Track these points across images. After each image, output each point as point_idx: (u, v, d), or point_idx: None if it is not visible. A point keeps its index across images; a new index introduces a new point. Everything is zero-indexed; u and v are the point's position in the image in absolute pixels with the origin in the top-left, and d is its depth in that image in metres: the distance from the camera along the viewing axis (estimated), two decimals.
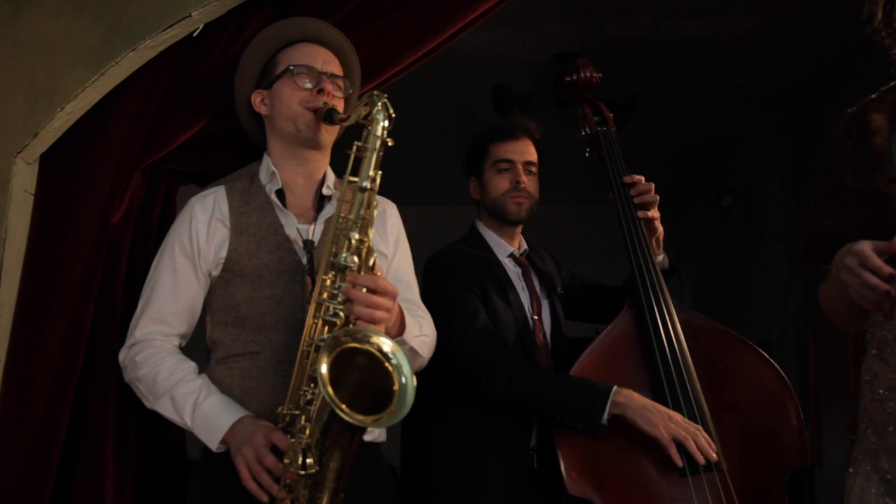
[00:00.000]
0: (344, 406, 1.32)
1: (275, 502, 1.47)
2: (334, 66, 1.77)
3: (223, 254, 1.67)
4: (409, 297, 1.75)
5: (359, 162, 1.53)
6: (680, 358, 1.88)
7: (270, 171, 1.74)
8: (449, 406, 2.07)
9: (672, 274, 2.15)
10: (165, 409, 1.62)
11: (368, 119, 1.54)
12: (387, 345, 1.41)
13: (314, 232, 1.70)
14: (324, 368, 1.34)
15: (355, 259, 1.49)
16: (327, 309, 1.49)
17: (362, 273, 1.49)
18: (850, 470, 1.44)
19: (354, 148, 1.53)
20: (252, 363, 1.64)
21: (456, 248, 2.19)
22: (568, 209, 5.47)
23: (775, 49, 3.82)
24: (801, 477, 4.04)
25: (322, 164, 1.78)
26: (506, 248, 2.21)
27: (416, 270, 1.87)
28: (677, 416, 1.78)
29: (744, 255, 5.02)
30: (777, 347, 4.48)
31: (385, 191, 1.58)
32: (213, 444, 1.56)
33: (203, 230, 1.69)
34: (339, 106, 1.73)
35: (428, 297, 1.85)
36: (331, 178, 1.78)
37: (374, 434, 1.69)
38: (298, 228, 1.70)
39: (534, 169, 2.21)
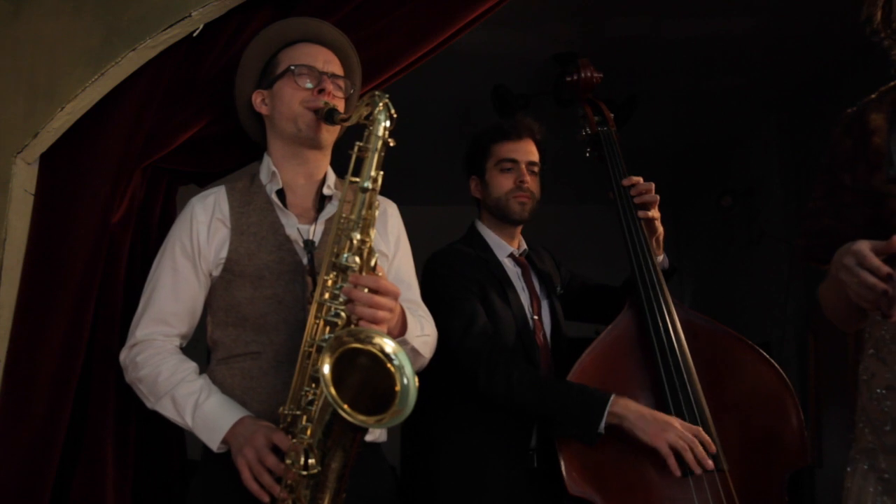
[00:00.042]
0: (346, 406, 1.32)
1: (276, 503, 1.47)
2: (335, 66, 1.77)
3: (224, 254, 1.67)
4: (410, 297, 1.75)
5: (360, 162, 1.53)
6: (680, 358, 1.88)
7: (271, 172, 1.74)
8: (449, 406, 2.07)
9: (672, 274, 2.15)
10: (166, 410, 1.62)
11: (370, 119, 1.54)
12: (389, 346, 1.41)
13: (315, 232, 1.70)
14: (326, 369, 1.33)
15: (357, 259, 1.49)
16: (329, 309, 1.49)
17: (364, 273, 1.49)
18: (848, 469, 1.44)
19: (356, 148, 1.53)
20: (253, 363, 1.64)
21: (456, 248, 2.19)
22: (568, 209, 5.47)
23: (775, 49, 3.82)
24: (801, 477, 4.04)
25: (322, 163, 1.78)
26: (505, 248, 2.21)
27: (416, 270, 1.87)
28: (676, 423, 1.77)
29: (744, 255, 5.02)
30: (777, 347, 4.48)
31: (385, 191, 1.58)
32: (214, 444, 1.56)
33: (204, 230, 1.69)
34: (340, 106, 1.73)
35: (427, 297, 1.85)
36: (331, 177, 1.78)
37: (375, 434, 1.69)
38: (299, 228, 1.70)
39: (536, 169, 2.21)
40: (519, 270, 2.20)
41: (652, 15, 3.60)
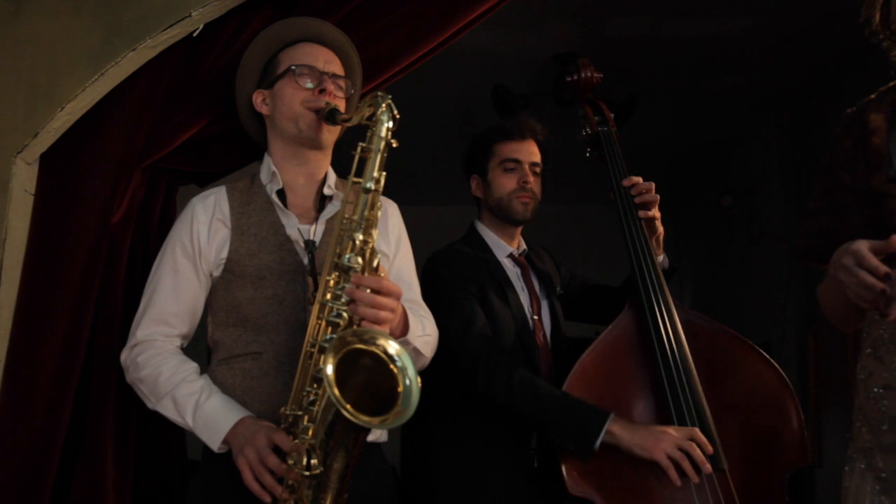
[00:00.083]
0: (349, 406, 1.32)
1: (278, 503, 1.47)
2: (336, 66, 1.77)
3: (224, 254, 1.67)
4: (411, 297, 1.75)
5: (363, 163, 1.53)
6: (680, 358, 1.88)
7: (271, 172, 1.74)
8: (449, 406, 2.07)
9: (672, 274, 2.15)
10: (167, 410, 1.62)
11: (372, 120, 1.54)
12: (392, 347, 1.41)
13: (315, 232, 1.70)
14: (329, 369, 1.33)
15: (359, 260, 1.49)
16: (331, 310, 1.49)
17: (366, 274, 1.49)
18: (846, 468, 1.45)
19: (359, 149, 1.53)
20: (254, 364, 1.63)
21: (455, 248, 2.19)
22: (568, 209, 5.47)
23: (775, 49, 3.82)
24: (801, 477, 4.04)
25: (323, 163, 1.78)
26: (505, 248, 2.21)
27: (416, 270, 1.87)
28: (670, 431, 1.77)
29: (744, 255, 5.02)
30: (777, 347, 4.48)
31: (385, 191, 1.58)
32: (215, 444, 1.56)
33: (204, 231, 1.69)
34: (341, 106, 1.73)
35: (427, 297, 1.85)
36: (332, 177, 1.78)
37: (376, 434, 1.69)
38: (300, 229, 1.70)
39: (538, 170, 2.21)
40: (518, 271, 2.20)
41: (652, 15, 3.60)
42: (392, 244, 1.79)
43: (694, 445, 1.75)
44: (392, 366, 1.39)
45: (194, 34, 1.93)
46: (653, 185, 2.08)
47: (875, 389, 1.40)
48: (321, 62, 1.74)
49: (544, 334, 2.14)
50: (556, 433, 1.81)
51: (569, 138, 2.26)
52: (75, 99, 1.86)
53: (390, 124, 1.53)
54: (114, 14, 1.89)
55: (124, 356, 1.69)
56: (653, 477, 1.78)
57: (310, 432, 1.44)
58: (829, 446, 3.89)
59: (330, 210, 1.74)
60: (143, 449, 1.86)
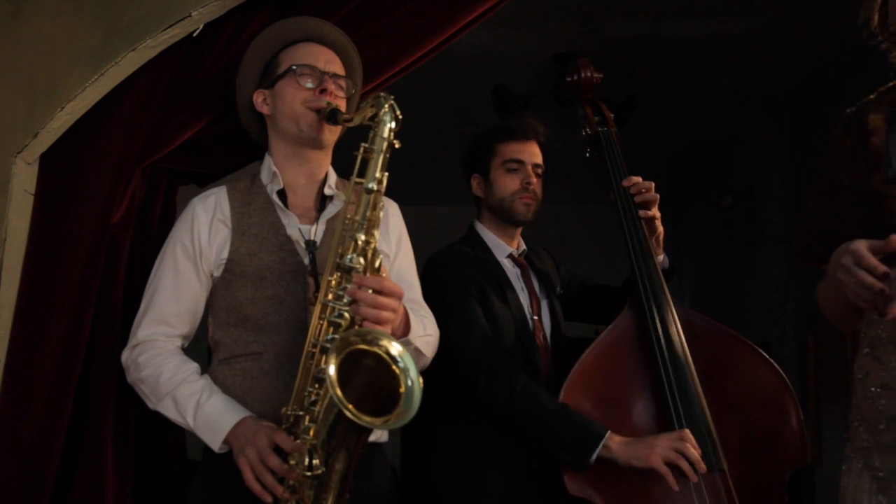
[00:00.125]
0: (351, 407, 1.32)
1: (279, 503, 1.47)
2: (336, 66, 1.77)
3: (225, 254, 1.67)
4: (412, 297, 1.75)
5: (365, 163, 1.53)
6: (680, 358, 1.88)
7: (272, 172, 1.74)
8: (450, 406, 2.07)
9: (672, 274, 2.15)
10: (168, 410, 1.62)
11: (375, 121, 1.53)
12: (395, 348, 1.41)
13: (316, 232, 1.70)
14: (332, 370, 1.33)
15: (361, 260, 1.49)
16: (332, 310, 1.49)
17: (368, 274, 1.49)
18: (844, 467, 1.45)
19: (361, 149, 1.54)
20: (254, 364, 1.63)
21: (455, 249, 2.19)
22: (568, 209, 5.47)
23: (775, 49, 3.82)
24: (801, 477, 4.04)
25: (324, 163, 1.78)
26: (505, 248, 2.21)
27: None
28: (662, 436, 1.78)
29: (744, 255, 5.02)
30: (777, 347, 4.48)
31: (385, 190, 1.58)
32: (216, 444, 1.56)
33: (205, 231, 1.69)
34: (342, 106, 1.73)
35: (427, 297, 1.85)
36: (332, 177, 1.78)
37: (377, 434, 1.69)
38: (300, 229, 1.70)
39: (540, 171, 2.21)
40: (518, 271, 2.20)
41: (652, 15, 3.60)
42: (393, 244, 1.79)
43: (688, 445, 1.75)
44: (394, 367, 1.40)
45: (194, 34, 1.93)
46: (652, 184, 2.08)
47: (872, 389, 1.40)
48: (322, 62, 1.74)
49: (544, 334, 2.14)
50: (553, 445, 1.82)
51: (569, 138, 2.26)
52: (75, 99, 1.86)
53: (393, 125, 1.53)
54: (114, 14, 1.89)
55: (125, 356, 1.69)
56: (652, 477, 1.78)
57: (311, 432, 1.44)
58: (829, 446, 3.89)
59: (331, 210, 1.74)
60: (143, 449, 1.86)
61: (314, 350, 1.49)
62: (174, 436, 1.90)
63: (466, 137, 2.34)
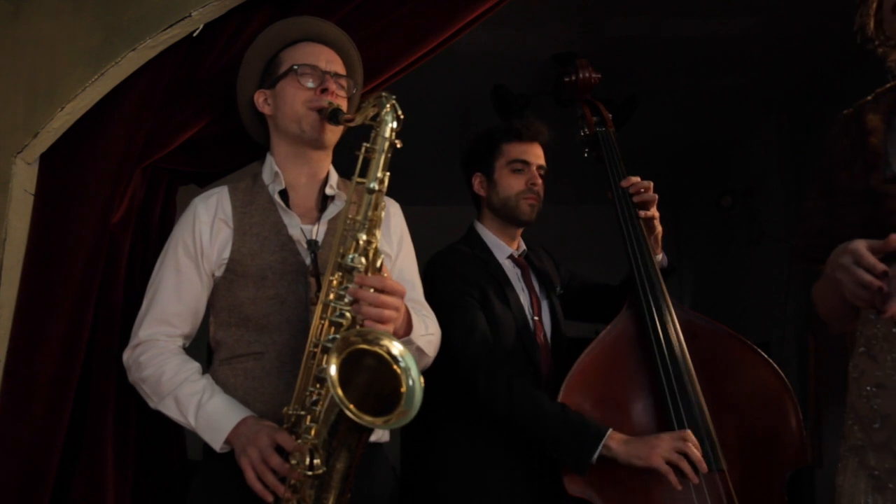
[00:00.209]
0: (352, 406, 1.32)
1: (280, 503, 1.47)
2: (337, 66, 1.77)
3: (226, 254, 1.67)
4: (413, 296, 1.75)
5: (367, 163, 1.53)
6: (679, 358, 1.88)
7: (274, 172, 1.74)
8: (450, 406, 2.07)
9: (671, 273, 2.15)
10: (169, 410, 1.62)
11: (377, 120, 1.53)
12: (396, 347, 1.41)
13: (318, 232, 1.70)
14: (333, 370, 1.34)
15: (363, 260, 1.49)
16: (334, 310, 1.49)
17: (369, 274, 1.49)
18: (839, 466, 1.45)
19: (363, 149, 1.54)
20: (255, 364, 1.64)
21: (456, 249, 2.19)
22: (568, 209, 5.47)
23: (775, 49, 3.82)
24: (801, 477, 4.04)
25: (325, 163, 1.78)
26: (505, 249, 2.20)
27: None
28: (663, 436, 1.78)
29: (744, 255, 5.02)
30: (777, 347, 4.48)
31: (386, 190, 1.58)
32: (217, 444, 1.56)
33: (206, 230, 1.69)
34: (343, 105, 1.73)
35: (428, 298, 1.84)
36: (334, 177, 1.78)
37: (378, 434, 1.69)
38: (302, 229, 1.70)
39: (543, 173, 2.22)
40: (518, 271, 2.20)
41: (652, 15, 3.60)
42: (394, 244, 1.80)
43: (690, 445, 1.75)
44: (395, 366, 1.40)
45: (194, 34, 1.94)
46: (651, 184, 2.08)
47: (867, 388, 1.41)
48: (323, 61, 1.74)
49: (545, 334, 2.14)
50: (553, 447, 1.82)
51: (568, 138, 2.26)
52: (75, 99, 1.86)
53: (394, 125, 1.53)
54: (114, 14, 1.89)
55: (126, 356, 1.69)
56: (652, 477, 1.78)
57: (312, 432, 1.44)
58: (829, 446, 3.89)
59: (332, 210, 1.74)
60: (143, 449, 1.86)
61: (315, 350, 1.49)
62: (174, 436, 1.90)
63: (466, 137, 2.34)
